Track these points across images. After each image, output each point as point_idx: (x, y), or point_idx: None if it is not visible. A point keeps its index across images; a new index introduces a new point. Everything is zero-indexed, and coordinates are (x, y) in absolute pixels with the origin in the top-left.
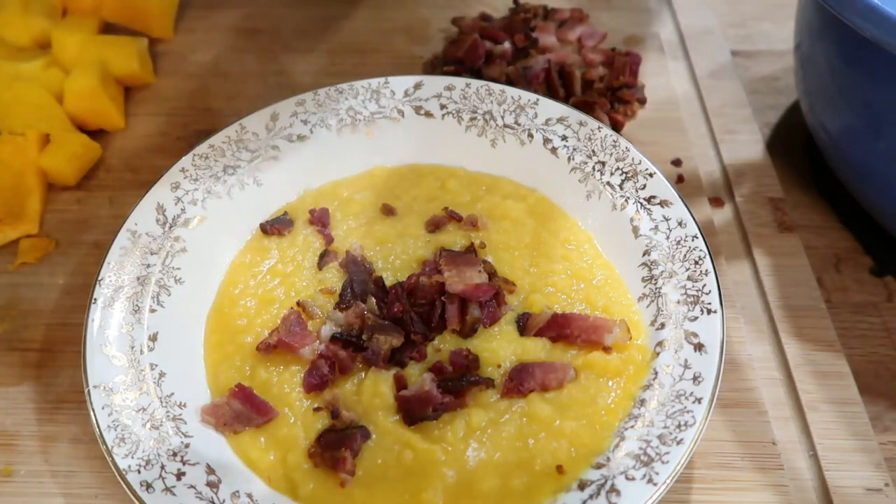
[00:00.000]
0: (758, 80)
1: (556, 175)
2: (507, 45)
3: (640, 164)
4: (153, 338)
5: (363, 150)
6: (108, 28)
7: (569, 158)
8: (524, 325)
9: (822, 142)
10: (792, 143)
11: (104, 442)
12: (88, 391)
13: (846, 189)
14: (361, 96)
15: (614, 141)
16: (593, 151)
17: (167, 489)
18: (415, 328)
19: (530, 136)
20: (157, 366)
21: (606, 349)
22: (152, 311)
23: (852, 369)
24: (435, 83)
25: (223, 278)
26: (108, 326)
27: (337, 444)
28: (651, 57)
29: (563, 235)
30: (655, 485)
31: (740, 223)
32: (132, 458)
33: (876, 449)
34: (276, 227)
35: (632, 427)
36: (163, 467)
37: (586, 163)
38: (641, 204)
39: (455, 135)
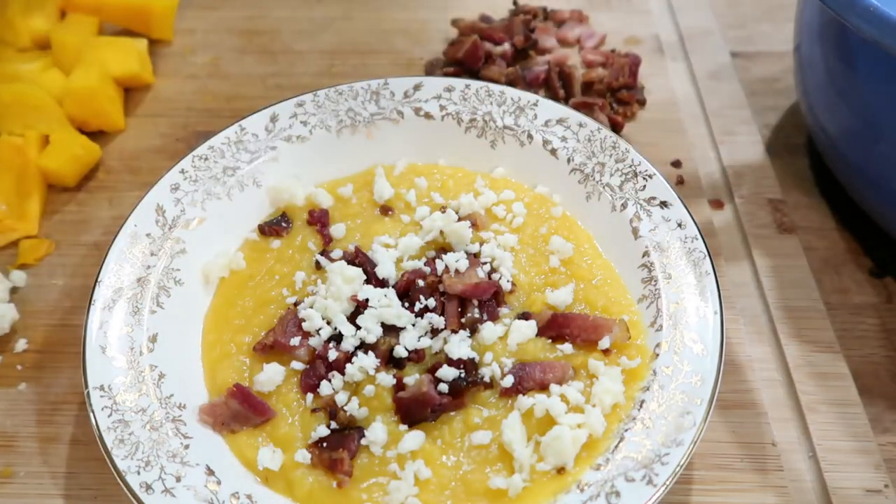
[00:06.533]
0: (757, 81)
1: (556, 176)
2: (506, 46)
3: (639, 165)
4: (153, 339)
5: (362, 151)
6: (107, 29)
7: (568, 160)
8: None
9: (821, 143)
10: (791, 144)
11: (104, 443)
12: (88, 392)
13: (846, 190)
14: (361, 97)
15: (614, 142)
16: (593, 153)
17: (167, 490)
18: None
19: (530, 137)
20: (156, 367)
21: (606, 350)
22: (152, 312)
23: (851, 371)
24: (434, 84)
25: (222, 279)
26: (108, 328)
27: (334, 445)
28: (651, 58)
29: (563, 236)
30: (655, 486)
31: (740, 224)
32: (132, 459)
33: (875, 450)
34: (274, 227)
35: (631, 428)
36: (162, 469)
37: (586, 164)
38: (641, 205)
39: (455, 136)
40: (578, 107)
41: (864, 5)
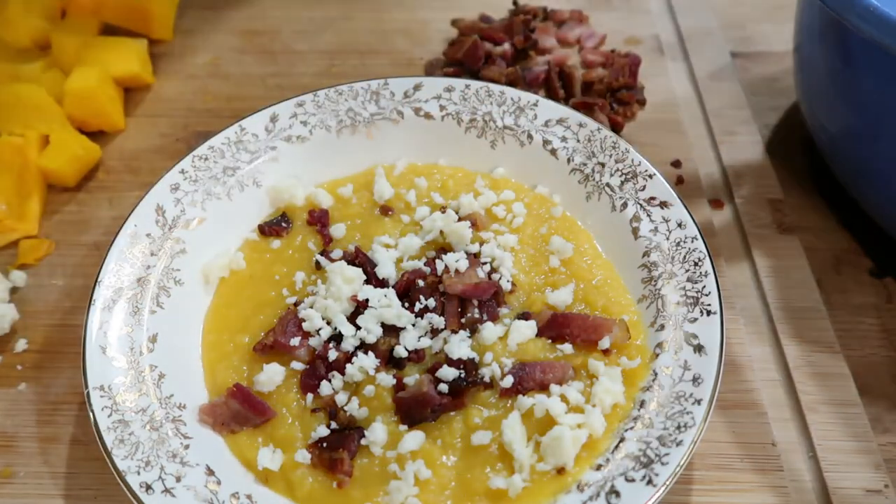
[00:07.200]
0: (757, 81)
1: (556, 176)
2: (506, 46)
3: (639, 165)
4: (153, 339)
5: (362, 151)
6: (107, 29)
7: (568, 160)
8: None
9: (821, 143)
10: (791, 144)
11: (104, 443)
12: (88, 393)
13: (846, 190)
14: (361, 98)
15: (614, 142)
16: (593, 153)
17: (167, 490)
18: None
19: (530, 137)
20: (156, 367)
21: (606, 350)
22: (152, 312)
23: (851, 371)
24: (434, 84)
25: (222, 279)
26: (108, 328)
27: (334, 445)
28: (651, 58)
29: (563, 236)
30: (655, 486)
31: (740, 224)
32: (132, 459)
33: (875, 450)
34: (274, 227)
35: (631, 428)
36: (162, 469)
37: (586, 164)
38: (641, 205)
39: (455, 136)
40: (578, 107)
41: (864, 5)
